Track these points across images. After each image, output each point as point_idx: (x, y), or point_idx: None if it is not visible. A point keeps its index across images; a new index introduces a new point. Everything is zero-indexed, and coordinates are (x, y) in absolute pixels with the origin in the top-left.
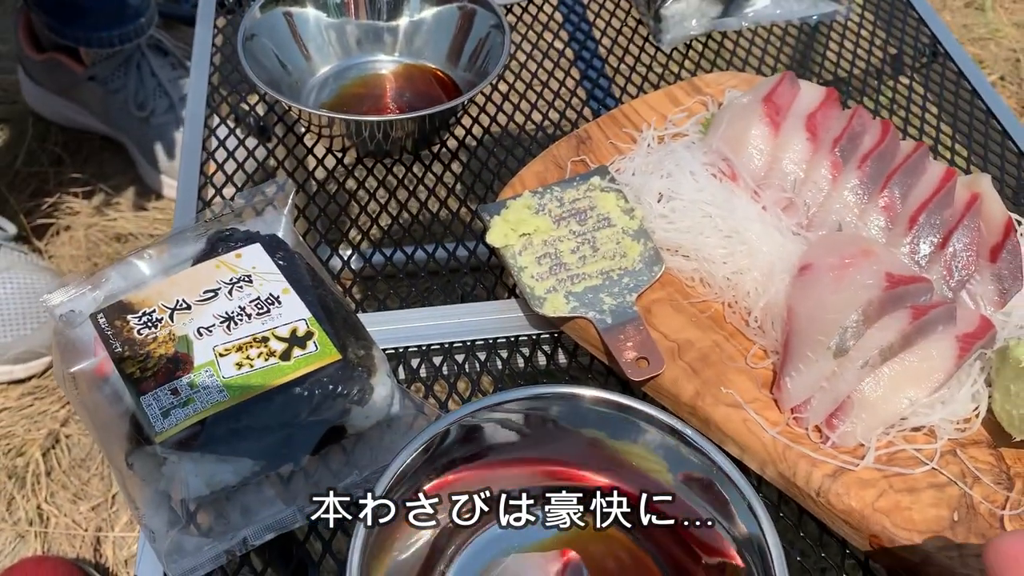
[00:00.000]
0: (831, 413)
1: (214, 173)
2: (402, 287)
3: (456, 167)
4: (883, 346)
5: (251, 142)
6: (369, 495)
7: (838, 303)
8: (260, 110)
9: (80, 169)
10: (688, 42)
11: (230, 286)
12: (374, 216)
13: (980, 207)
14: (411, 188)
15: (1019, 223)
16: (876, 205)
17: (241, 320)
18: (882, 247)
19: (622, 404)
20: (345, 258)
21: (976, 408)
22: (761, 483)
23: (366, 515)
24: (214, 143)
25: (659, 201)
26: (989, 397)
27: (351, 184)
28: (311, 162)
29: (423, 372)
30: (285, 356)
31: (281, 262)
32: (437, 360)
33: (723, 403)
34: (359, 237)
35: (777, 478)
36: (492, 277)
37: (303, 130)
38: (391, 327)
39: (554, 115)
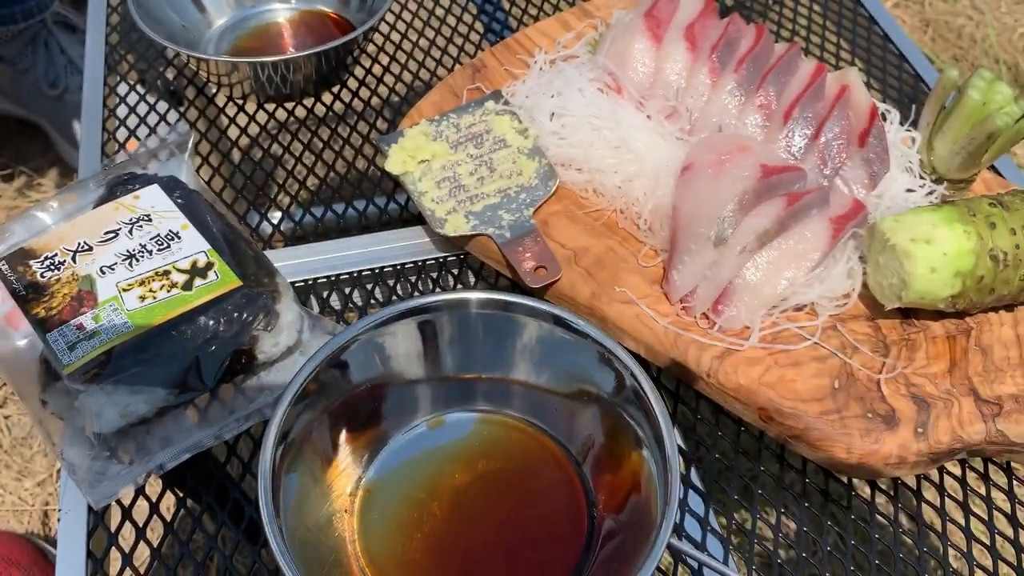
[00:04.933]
0: (716, 299)
1: (117, 128)
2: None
3: (358, 105)
4: (759, 232)
5: (152, 97)
6: (277, 405)
7: (716, 196)
8: (160, 66)
9: None
10: None
11: (130, 226)
12: (287, 166)
13: (848, 98)
14: (313, 129)
15: (886, 114)
16: (753, 105)
17: (143, 257)
18: (758, 143)
19: (507, 301)
20: (272, 220)
21: (852, 284)
22: (660, 375)
23: (271, 426)
24: (116, 101)
25: (551, 119)
26: (864, 273)
27: (256, 132)
28: (212, 111)
29: (334, 302)
30: (187, 286)
31: (180, 200)
32: (347, 290)
33: (617, 301)
34: (280, 194)
35: (671, 366)
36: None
37: (204, 81)
38: (299, 260)
39: (453, 50)
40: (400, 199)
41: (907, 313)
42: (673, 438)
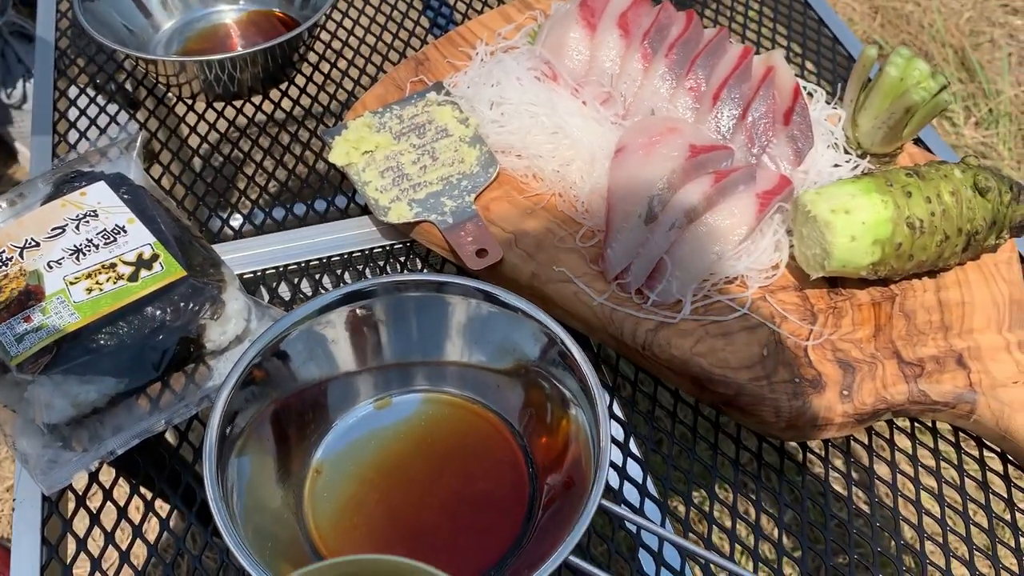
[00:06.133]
0: (649, 275)
1: (67, 131)
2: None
3: (309, 104)
4: (687, 208)
5: (102, 100)
6: (223, 384)
7: (646, 176)
8: (110, 70)
9: None
10: None
11: (77, 221)
12: (237, 163)
13: (773, 79)
14: (261, 126)
15: (813, 93)
16: (683, 88)
17: (89, 251)
18: (688, 124)
19: (440, 282)
20: (233, 226)
21: (779, 256)
22: (600, 349)
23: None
24: (66, 104)
25: (491, 108)
26: (790, 245)
27: (205, 131)
28: (162, 111)
29: (284, 293)
30: (133, 278)
31: (126, 196)
32: (296, 280)
33: (556, 280)
34: (236, 196)
35: (609, 340)
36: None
37: (154, 83)
38: (248, 252)
39: (399, 45)
40: (361, 200)
41: (834, 282)
42: (600, 390)
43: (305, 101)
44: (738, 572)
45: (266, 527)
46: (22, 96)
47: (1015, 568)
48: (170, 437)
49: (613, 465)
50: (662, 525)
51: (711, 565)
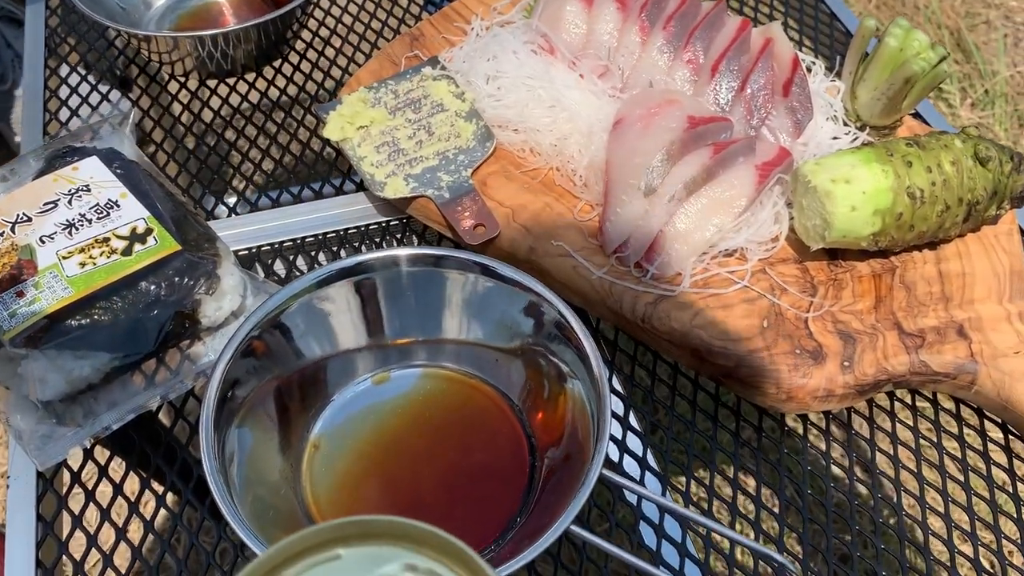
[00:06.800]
0: (648, 248)
1: (58, 109)
2: None
3: (299, 79)
4: (686, 180)
5: (94, 78)
6: (221, 354)
7: (645, 148)
8: (101, 47)
9: None
10: None
11: (69, 196)
12: (230, 141)
13: (772, 50)
14: (255, 104)
15: (811, 66)
16: (681, 60)
17: (82, 225)
18: (687, 96)
19: (437, 256)
20: (228, 204)
21: (779, 228)
22: (599, 324)
23: (214, 379)
24: (57, 82)
25: (487, 82)
26: (790, 217)
27: (199, 109)
28: (155, 89)
29: (279, 269)
30: (126, 252)
31: (119, 171)
32: (291, 256)
33: (554, 254)
34: (233, 176)
35: (608, 314)
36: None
37: (146, 60)
38: (244, 229)
39: (393, 22)
40: (356, 178)
41: (834, 254)
42: (599, 357)
43: (299, 79)
44: (738, 540)
45: (265, 499)
46: (12, 81)
47: (1017, 538)
48: (165, 418)
49: (613, 439)
50: (663, 496)
51: (712, 535)
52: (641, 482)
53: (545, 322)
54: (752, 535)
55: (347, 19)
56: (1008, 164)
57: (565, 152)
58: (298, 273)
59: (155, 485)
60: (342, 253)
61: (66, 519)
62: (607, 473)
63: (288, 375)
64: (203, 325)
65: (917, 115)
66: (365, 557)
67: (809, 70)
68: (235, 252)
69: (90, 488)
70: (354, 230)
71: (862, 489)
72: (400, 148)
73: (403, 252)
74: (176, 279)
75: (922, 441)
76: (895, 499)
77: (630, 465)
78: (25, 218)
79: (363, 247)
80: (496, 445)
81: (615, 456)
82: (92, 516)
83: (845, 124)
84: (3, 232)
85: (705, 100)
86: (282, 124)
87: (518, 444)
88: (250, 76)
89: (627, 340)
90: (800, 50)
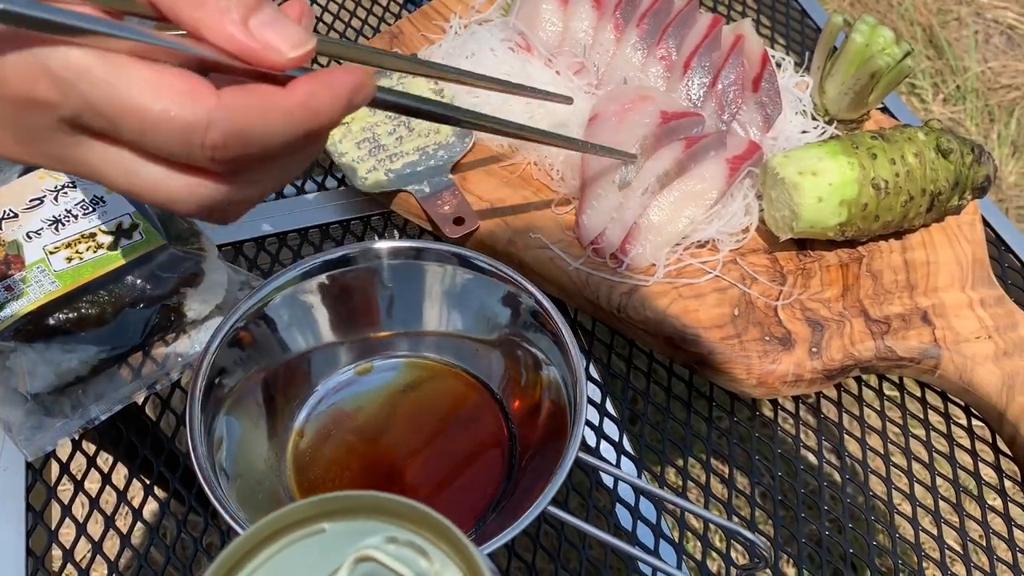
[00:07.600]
0: (623, 240)
1: None
2: None
3: None
4: (660, 174)
5: None
6: (204, 351)
7: (619, 142)
8: None
9: None
10: None
11: (55, 192)
12: None
13: (742, 47)
14: None
15: (781, 62)
16: (655, 57)
17: (68, 221)
18: (660, 92)
19: (417, 248)
20: None
21: (749, 219)
22: (577, 315)
23: (200, 368)
24: None
25: None
26: (760, 209)
27: None
28: None
29: (263, 263)
30: (112, 247)
31: None
32: (274, 250)
33: (532, 247)
34: None
35: (585, 304)
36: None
37: None
38: (227, 225)
39: (373, 20)
40: (338, 174)
41: (802, 244)
42: (574, 341)
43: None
44: (709, 518)
45: (252, 485)
46: None
47: (978, 516)
48: (152, 412)
49: (590, 424)
50: (638, 478)
51: (686, 516)
52: (617, 466)
53: (522, 311)
54: (725, 517)
55: (327, 17)
56: (969, 156)
57: (542, 147)
58: (281, 267)
59: (143, 476)
60: (324, 248)
61: (55, 509)
62: (584, 456)
63: (274, 367)
64: (188, 318)
65: (885, 109)
66: (348, 531)
67: (779, 66)
68: (219, 247)
69: (79, 479)
70: (336, 225)
71: (832, 472)
72: (381, 144)
73: (384, 245)
74: (161, 273)
75: (888, 424)
76: (863, 480)
77: (607, 451)
78: (12, 214)
79: (345, 242)
80: (477, 431)
81: (592, 441)
82: (81, 506)
83: (814, 118)
84: None
85: (678, 96)
86: None
87: (498, 430)
88: None
89: (604, 330)
90: (772, 47)
